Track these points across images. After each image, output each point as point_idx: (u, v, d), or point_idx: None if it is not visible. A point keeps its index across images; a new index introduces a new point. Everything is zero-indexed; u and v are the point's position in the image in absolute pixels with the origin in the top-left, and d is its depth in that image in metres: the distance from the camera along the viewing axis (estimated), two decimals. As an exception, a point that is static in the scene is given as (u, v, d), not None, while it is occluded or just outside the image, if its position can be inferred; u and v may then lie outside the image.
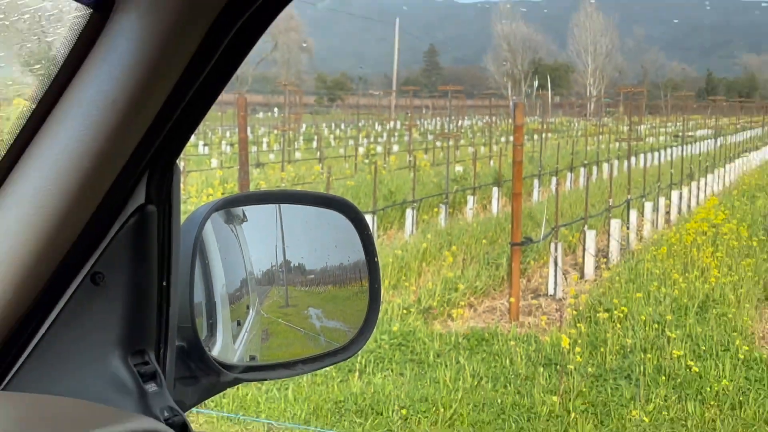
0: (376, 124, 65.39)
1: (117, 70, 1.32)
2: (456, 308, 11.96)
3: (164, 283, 1.52)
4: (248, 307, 2.02)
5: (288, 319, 2.09)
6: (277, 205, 2.02)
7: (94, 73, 1.34)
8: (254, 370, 1.84)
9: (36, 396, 1.46)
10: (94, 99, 1.34)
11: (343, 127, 63.32)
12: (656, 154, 31.30)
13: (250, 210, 2.02)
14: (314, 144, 40.39)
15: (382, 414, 8.33)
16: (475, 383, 9.25)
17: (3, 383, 1.47)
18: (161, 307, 1.52)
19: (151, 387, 1.48)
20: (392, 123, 65.68)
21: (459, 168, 27.05)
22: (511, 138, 17.30)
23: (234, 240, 2.00)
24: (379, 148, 39.70)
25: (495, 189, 21.77)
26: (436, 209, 19.53)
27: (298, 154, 36.90)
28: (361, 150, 36.69)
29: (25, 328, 1.46)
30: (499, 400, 8.76)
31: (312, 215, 2.05)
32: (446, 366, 9.65)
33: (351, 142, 43.30)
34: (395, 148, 40.91)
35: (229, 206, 1.81)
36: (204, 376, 1.66)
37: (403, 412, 8.37)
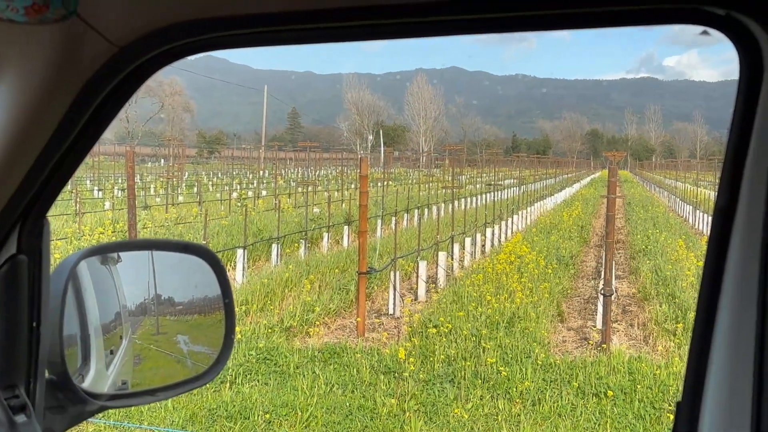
0: (248, 173, 64.80)
1: None
2: (313, 327, 11.84)
3: (34, 324, 1.41)
4: (121, 337, 1.92)
5: (159, 345, 2.00)
6: (149, 252, 1.95)
7: None
8: (120, 398, 1.73)
9: None
10: None
11: (220, 175, 62.36)
12: (474, 198, 32.16)
13: (124, 254, 1.93)
14: (195, 189, 39.57)
15: (249, 418, 8.10)
16: (328, 390, 9.14)
17: None
18: (31, 346, 1.41)
19: (20, 418, 1.37)
20: (261, 172, 65.26)
21: (316, 210, 27.03)
22: (359, 184, 17.41)
23: (109, 279, 1.89)
24: (250, 193, 39.27)
25: (346, 227, 21.85)
26: (297, 244, 19.41)
27: (180, 198, 36.03)
28: (234, 195, 36.18)
29: None
30: (348, 404, 8.68)
31: (177, 259, 1.98)
32: (304, 376, 9.51)
33: (226, 188, 42.67)
34: (264, 193, 40.55)
35: (96, 254, 1.70)
36: (71, 405, 1.55)
37: (267, 416, 8.17)
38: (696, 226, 30.41)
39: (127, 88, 1.30)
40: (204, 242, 15.84)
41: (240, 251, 15.43)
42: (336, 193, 38.34)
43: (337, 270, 16.04)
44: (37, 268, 1.41)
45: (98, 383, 1.77)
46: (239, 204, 30.48)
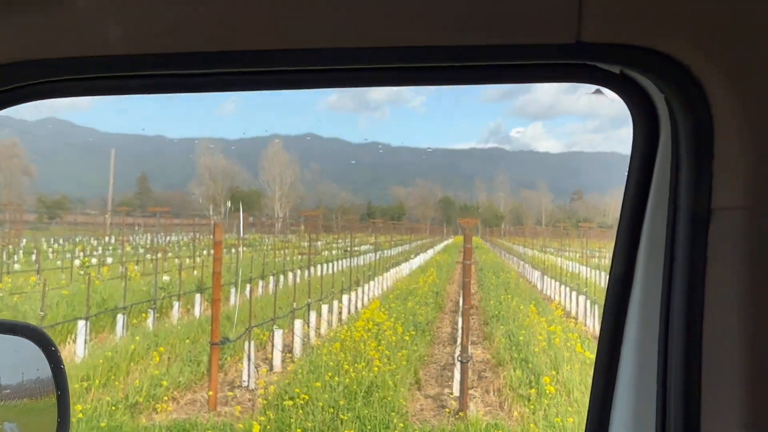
0: (92, 239, 62.13)
1: None
2: (160, 402, 11.25)
3: None
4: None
5: (-18, 435, 1.76)
6: None
7: None
8: None
9: None
10: None
11: (61, 242, 59.37)
12: (331, 264, 32.12)
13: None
14: (33, 257, 37.44)
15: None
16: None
17: None
18: None
19: None
20: (107, 238, 62.77)
21: (166, 277, 26.09)
22: (212, 250, 16.99)
23: None
24: (94, 260, 37.54)
25: (198, 295, 21.17)
26: (144, 314, 18.58)
27: (17, 266, 33.90)
28: (77, 262, 34.46)
29: None
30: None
31: (3, 340, 1.77)
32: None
33: (68, 255, 40.64)
34: (109, 260, 38.86)
35: None
36: None
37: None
38: (545, 292, 31.64)
39: None
40: (42, 313, 14.90)
41: (81, 323, 14.58)
42: (188, 260, 37.29)
43: (188, 341, 15.44)
44: None
45: None
46: (82, 272, 29.02)
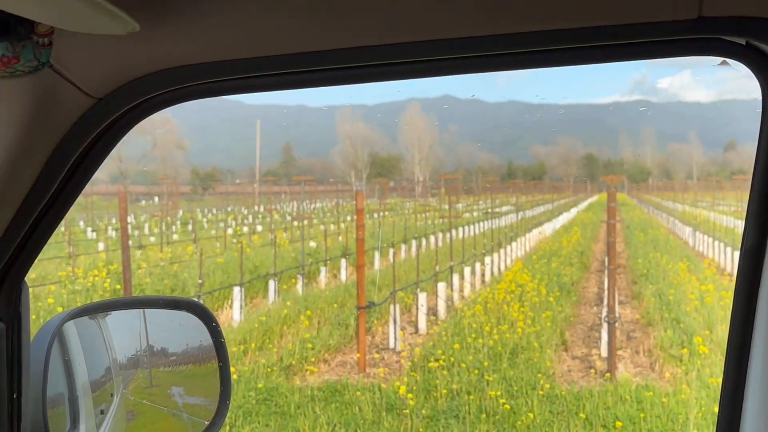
0: (243, 209, 64.67)
1: None
2: (312, 364, 11.71)
3: (15, 396, 1.33)
4: (112, 395, 1.85)
5: (152, 399, 1.93)
6: (141, 310, 1.91)
7: None
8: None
9: None
10: None
11: (214, 212, 62.24)
12: (471, 227, 32.12)
13: (114, 312, 1.89)
14: (189, 227, 39.46)
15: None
16: (330, 429, 9.00)
17: None
18: (12, 419, 1.33)
19: None
20: (256, 207, 65.17)
21: (313, 244, 26.90)
22: (356, 217, 17.37)
23: (98, 334, 1.83)
24: (245, 229, 39.16)
25: (343, 260, 21.71)
26: (294, 279, 19.27)
27: (175, 237, 35.88)
28: (229, 231, 36.07)
29: None
30: (351, 443, 8.56)
31: (170, 314, 1.93)
32: (305, 416, 9.37)
33: (221, 224, 42.56)
34: (259, 228, 40.43)
35: (80, 316, 1.63)
36: None
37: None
38: (696, 248, 30.35)
39: (107, 140, 1.25)
40: (200, 281, 15.75)
41: (237, 289, 15.32)
42: (332, 226, 38.26)
43: (335, 305, 15.92)
44: (16, 335, 1.34)
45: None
46: (234, 241, 30.38)
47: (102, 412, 1.82)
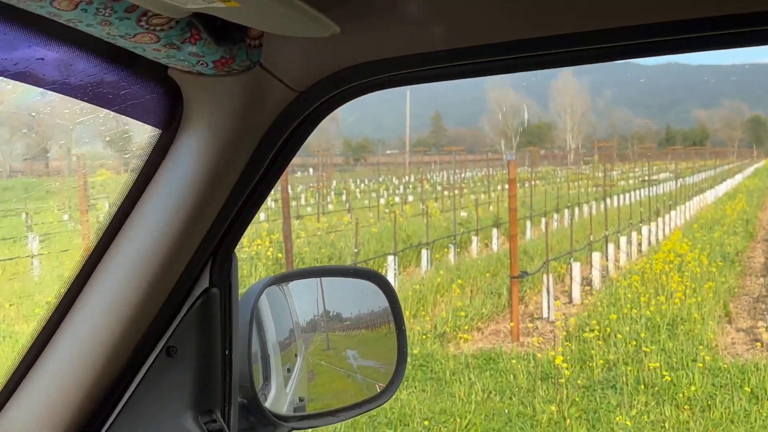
0: (394, 179, 65.51)
1: (185, 178, 1.34)
2: (466, 332, 11.86)
3: (226, 352, 1.52)
4: (296, 355, 2.01)
5: (329, 360, 2.09)
6: (319, 278, 2.05)
7: (166, 181, 1.36)
8: (304, 419, 1.83)
9: None
10: (168, 203, 1.35)
11: (366, 182, 63.47)
12: (627, 195, 31.15)
13: (297, 276, 2.04)
14: (343, 197, 40.49)
15: (408, 425, 8.23)
16: (485, 396, 9.13)
17: None
18: (225, 373, 1.52)
19: None
20: (406, 177, 65.81)
21: (464, 213, 27.00)
22: (506, 186, 17.26)
23: (282, 299, 2.00)
24: (397, 199, 39.74)
25: (494, 230, 21.68)
26: (446, 249, 19.46)
27: (330, 207, 36.95)
28: (382, 201, 36.74)
29: (113, 394, 1.46)
30: (506, 410, 8.64)
31: (347, 282, 2.07)
32: (460, 382, 9.54)
33: (373, 194, 43.38)
34: (410, 198, 40.93)
35: (278, 283, 1.81)
36: (262, 427, 1.65)
37: (426, 423, 8.26)
38: None
39: (305, 130, 1.39)
40: (356, 250, 16.21)
41: (390, 258, 15.67)
42: (482, 195, 38.18)
43: (487, 274, 15.98)
44: (227, 299, 1.52)
45: (278, 401, 1.88)
46: (387, 210, 30.94)
47: (288, 371, 2.00)
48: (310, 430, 2.12)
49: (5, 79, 1.20)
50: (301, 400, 1.95)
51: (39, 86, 1.24)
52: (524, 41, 1.20)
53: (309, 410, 1.99)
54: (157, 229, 1.37)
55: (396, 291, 1.92)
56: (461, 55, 1.23)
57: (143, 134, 1.41)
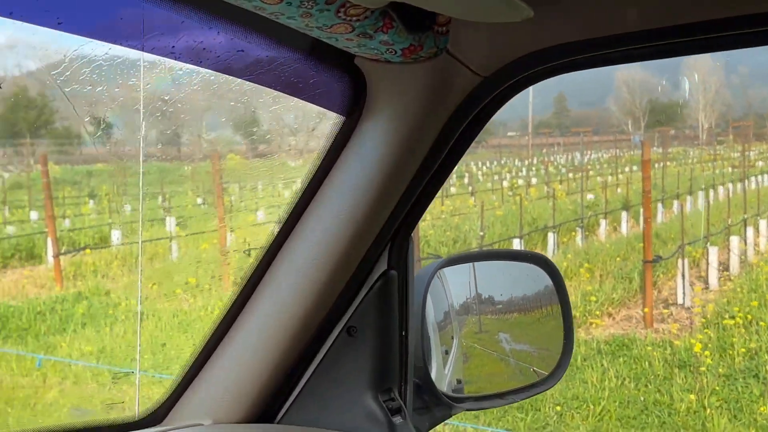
0: (516, 161, 64.60)
1: (368, 164, 1.38)
2: (596, 318, 11.62)
3: (403, 333, 1.56)
4: (452, 337, 2.03)
5: (482, 343, 2.09)
6: (477, 261, 2.06)
7: (349, 166, 1.40)
8: (477, 400, 1.85)
9: (305, 429, 1.52)
10: (351, 187, 1.40)
11: (488, 164, 62.87)
12: (766, 176, 29.60)
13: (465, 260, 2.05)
14: (465, 180, 40.31)
15: (539, 410, 8.17)
16: (619, 383, 8.93)
17: (277, 417, 1.54)
18: (401, 353, 1.56)
19: (397, 419, 1.52)
20: (529, 159, 64.80)
21: (590, 196, 26.35)
22: (635, 168, 16.76)
23: (439, 283, 2.02)
24: (520, 182, 39.22)
25: (623, 213, 21.07)
26: (573, 232, 19.07)
27: (452, 189, 36.81)
28: (505, 183, 36.34)
29: (295, 371, 1.53)
30: (642, 398, 8.43)
31: (499, 265, 2.08)
32: (592, 368, 9.37)
33: (496, 177, 42.96)
34: (533, 180, 40.30)
35: (449, 265, 1.83)
36: (435, 407, 1.68)
37: (558, 408, 8.17)
38: None
39: (487, 114, 1.40)
40: (481, 233, 16.15)
41: (516, 241, 15.52)
42: (609, 177, 37.13)
43: (618, 258, 15.57)
44: (404, 281, 1.56)
45: (439, 382, 1.91)
46: (510, 193, 30.60)
47: (446, 353, 2.02)
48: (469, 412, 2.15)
49: (211, 71, 1.27)
50: (459, 382, 1.97)
51: (238, 77, 1.31)
52: (718, 21, 1.17)
53: (469, 392, 2.00)
54: (340, 212, 1.41)
55: (560, 274, 1.90)
56: (654, 35, 1.21)
57: (318, 121, 1.46)
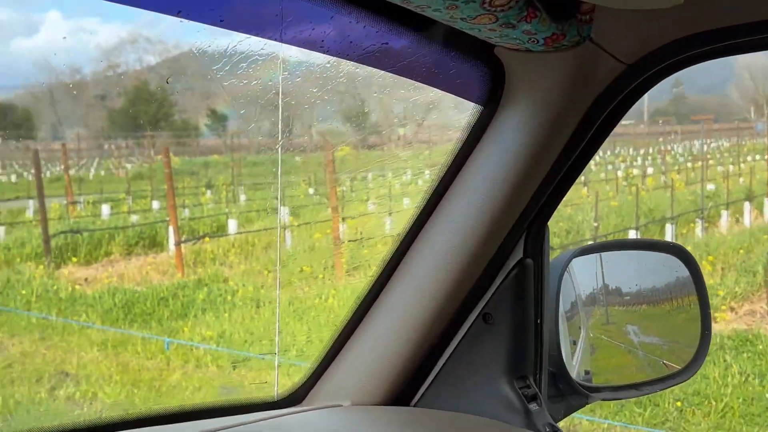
0: (630, 150, 62.83)
1: (507, 153, 1.39)
2: (718, 312, 11.21)
3: (538, 321, 1.57)
4: (579, 328, 2.02)
5: (609, 335, 2.07)
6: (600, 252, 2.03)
7: (487, 155, 1.42)
8: (611, 390, 1.84)
9: (442, 412, 1.55)
10: (488, 177, 1.41)
11: (601, 153, 61.32)
12: None
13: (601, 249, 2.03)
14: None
15: (658, 405, 7.96)
16: (743, 380, 8.60)
17: (413, 401, 1.58)
18: (537, 341, 1.57)
19: (533, 406, 1.53)
20: (645, 149, 62.88)
21: (711, 186, 25.38)
22: (757, 157, 16.00)
23: (566, 273, 2.01)
24: (635, 171, 38.14)
25: (746, 204, 20.20)
26: (692, 224, 18.43)
27: (564, 180, 36.06)
28: (619, 173, 35.41)
29: (431, 357, 1.56)
30: (767, 395, 8.11)
31: (627, 255, 2.05)
32: (714, 364, 9.05)
33: (609, 167, 41.92)
34: (649, 170, 39.10)
35: (584, 254, 1.82)
36: (570, 395, 1.69)
37: (678, 404, 7.95)
38: None
39: (629, 102, 1.40)
40: (595, 224, 15.83)
41: (632, 233, 15.15)
42: (731, 166, 35.63)
43: (741, 251, 14.95)
44: (539, 270, 1.57)
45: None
46: (625, 183, 29.82)
47: (574, 343, 2.01)
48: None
49: (356, 63, 1.32)
50: (587, 373, 1.96)
51: (382, 69, 1.35)
52: None
53: (598, 383, 1.99)
54: (478, 201, 1.43)
55: (698, 264, 1.86)
56: None
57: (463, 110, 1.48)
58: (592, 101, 1.35)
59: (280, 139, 1.89)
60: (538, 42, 1.25)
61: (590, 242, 13.84)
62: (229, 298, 11.97)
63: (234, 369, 9.36)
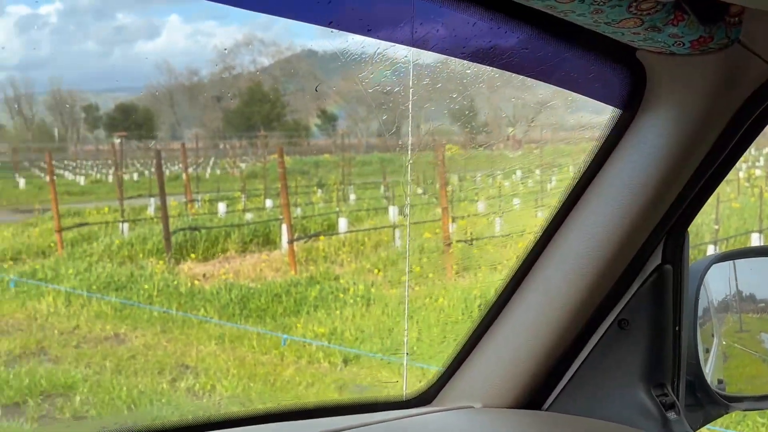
0: (752, 149, 60.01)
1: (647, 157, 1.37)
2: None
3: (676, 328, 1.54)
4: (712, 335, 1.97)
5: (742, 343, 2.01)
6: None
7: (626, 159, 1.40)
8: (754, 400, 1.79)
9: (576, 418, 1.54)
10: (627, 181, 1.40)
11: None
12: None
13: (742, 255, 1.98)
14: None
15: None
16: None
17: (545, 405, 1.57)
18: (675, 348, 1.54)
19: (671, 415, 1.50)
20: (768, 148, 59.87)
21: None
22: None
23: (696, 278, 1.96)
24: (758, 172, 36.45)
25: None
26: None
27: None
28: (740, 174, 33.92)
29: (563, 361, 1.55)
30: None
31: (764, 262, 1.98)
32: None
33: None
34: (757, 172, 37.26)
35: (723, 260, 1.78)
36: (708, 405, 1.65)
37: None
38: None
39: None
40: (716, 227, 15.25)
41: (755, 236, 14.51)
42: None
43: None
44: (678, 276, 1.54)
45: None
46: (747, 184, 28.57)
47: (707, 351, 1.95)
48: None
49: (497, 69, 1.33)
50: (720, 381, 1.91)
51: (522, 74, 1.36)
52: None
53: (731, 393, 1.93)
54: (616, 205, 1.42)
55: None
56: None
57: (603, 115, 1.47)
58: (740, 105, 1.32)
59: (410, 142, 1.92)
60: (683, 45, 1.23)
61: (710, 245, 13.35)
62: (340, 295, 12.16)
63: (345, 366, 9.51)
